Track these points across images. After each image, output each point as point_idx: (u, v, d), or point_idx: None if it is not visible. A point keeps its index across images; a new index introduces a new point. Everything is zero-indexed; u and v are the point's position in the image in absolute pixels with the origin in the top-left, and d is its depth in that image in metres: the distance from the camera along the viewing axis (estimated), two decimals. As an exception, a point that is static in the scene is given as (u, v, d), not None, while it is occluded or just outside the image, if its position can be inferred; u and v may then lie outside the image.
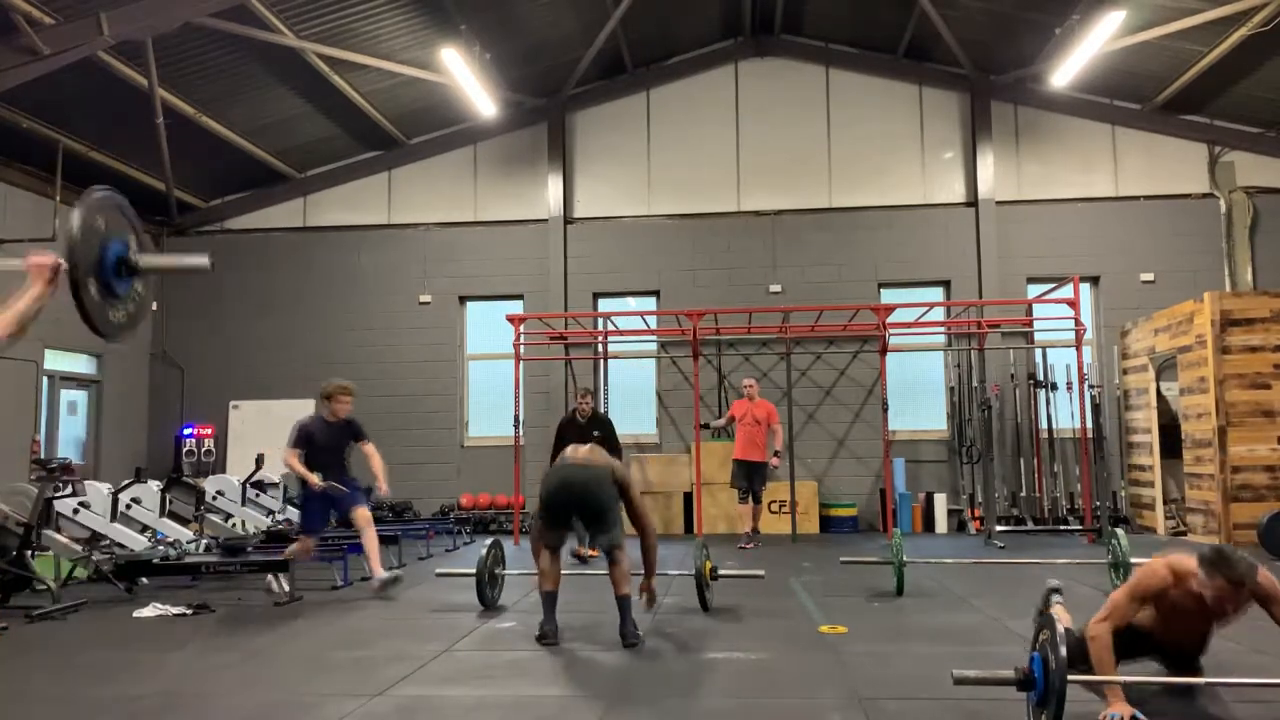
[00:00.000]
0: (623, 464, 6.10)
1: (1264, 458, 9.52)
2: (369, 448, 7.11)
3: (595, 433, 9.35)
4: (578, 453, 5.64)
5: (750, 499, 10.04)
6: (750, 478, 9.99)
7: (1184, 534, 10.51)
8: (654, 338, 12.53)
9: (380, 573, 6.85)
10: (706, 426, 11.86)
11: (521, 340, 11.53)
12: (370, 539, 6.93)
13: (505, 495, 12.21)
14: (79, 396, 12.22)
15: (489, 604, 6.25)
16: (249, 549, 7.87)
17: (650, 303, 12.82)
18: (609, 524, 5.37)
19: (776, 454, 10.13)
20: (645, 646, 5.14)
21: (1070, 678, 3.20)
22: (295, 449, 6.88)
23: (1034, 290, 12.08)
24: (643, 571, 5.56)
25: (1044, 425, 11.79)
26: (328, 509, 7.16)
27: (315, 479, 6.81)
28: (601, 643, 5.31)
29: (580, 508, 5.44)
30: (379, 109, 12.12)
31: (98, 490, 7.52)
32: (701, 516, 11.10)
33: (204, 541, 8.27)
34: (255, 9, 9.33)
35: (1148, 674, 3.96)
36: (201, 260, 2.90)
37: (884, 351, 10.89)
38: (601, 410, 12.42)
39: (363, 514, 6.92)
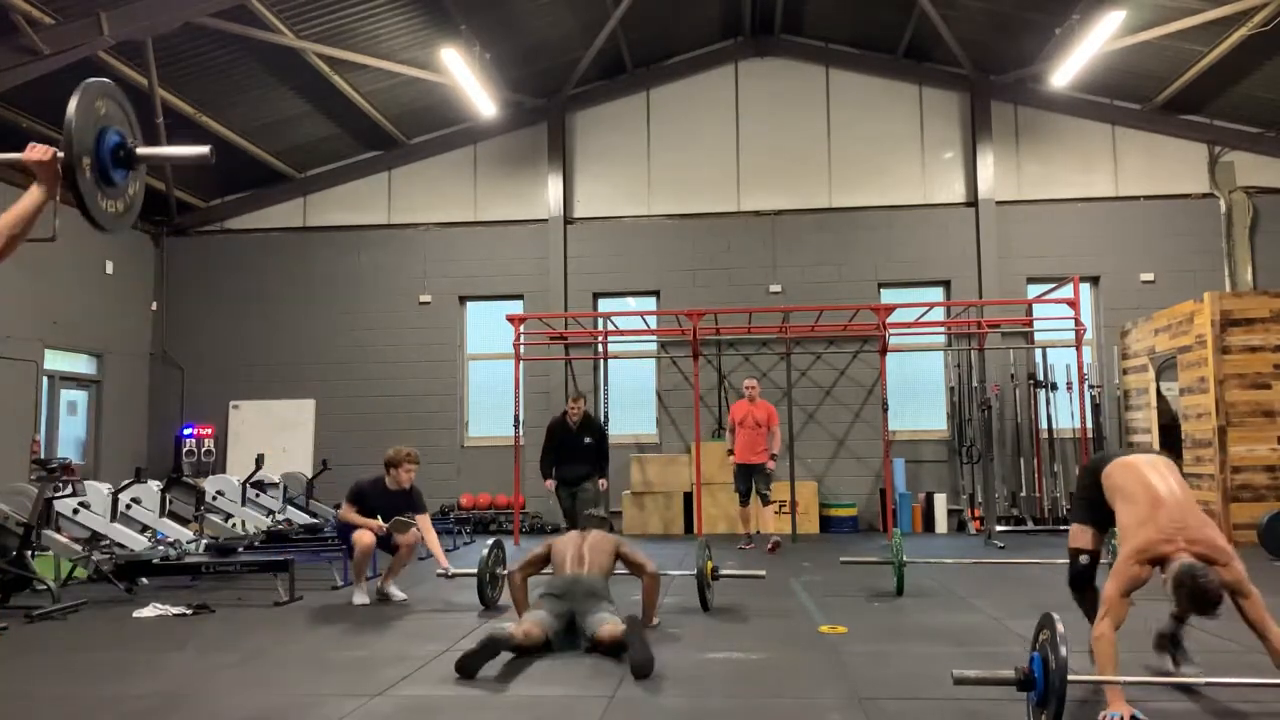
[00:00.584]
0: (623, 542, 5.68)
1: (1264, 458, 9.52)
2: (425, 520, 6.83)
3: (586, 439, 9.36)
4: (578, 564, 5.36)
5: (749, 503, 9.79)
6: (750, 480, 9.77)
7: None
8: (654, 338, 12.53)
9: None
10: (721, 437, 11.95)
11: (521, 340, 11.53)
12: (401, 560, 6.85)
13: (505, 495, 12.21)
14: (79, 396, 12.22)
15: (489, 604, 6.25)
16: (239, 549, 7.83)
17: (650, 303, 12.82)
18: (601, 610, 5.12)
19: (773, 456, 9.87)
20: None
21: (1070, 678, 3.19)
22: (350, 505, 6.75)
23: (1034, 290, 12.09)
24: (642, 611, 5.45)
25: (1044, 425, 11.79)
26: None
27: (375, 523, 6.64)
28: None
29: (578, 614, 5.13)
30: (379, 109, 12.12)
31: (98, 490, 7.51)
32: (701, 516, 11.10)
33: (204, 541, 8.26)
34: (255, 9, 9.33)
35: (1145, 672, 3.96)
36: (201, 150, 2.87)
37: (884, 351, 10.89)
38: (593, 413, 12.44)
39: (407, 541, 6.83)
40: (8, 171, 10.83)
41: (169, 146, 2.89)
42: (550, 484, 9.47)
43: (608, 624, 4.90)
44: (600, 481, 9.51)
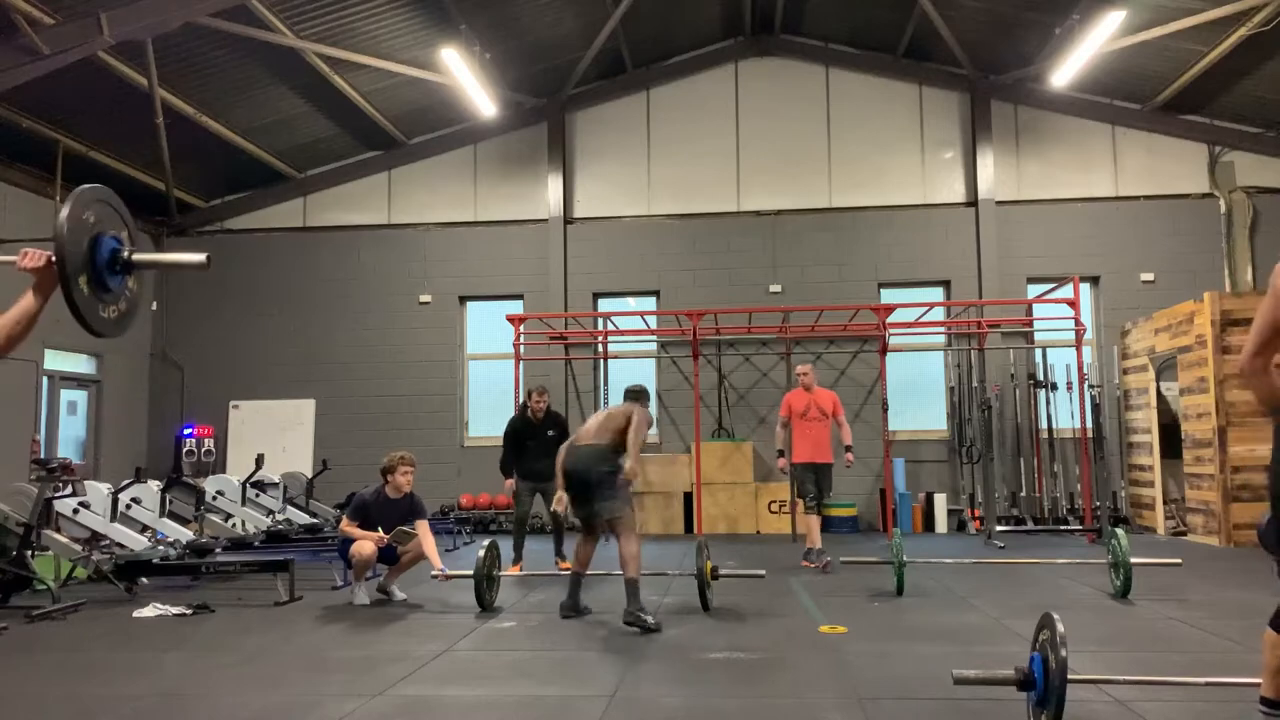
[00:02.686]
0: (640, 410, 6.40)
1: (1264, 458, 9.36)
2: (424, 527, 6.78)
3: (550, 432, 8.65)
4: (584, 432, 6.23)
5: (818, 511, 8.48)
6: (819, 483, 8.40)
7: (1184, 534, 10.51)
8: (654, 338, 12.53)
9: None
10: (720, 437, 11.91)
11: (521, 340, 11.53)
12: (405, 564, 6.88)
13: (505, 495, 12.19)
14: (79, 396, 12.21)
15: (487, 606, 6.25)
16: (216, 550, 7.78)
17: (650, 303, 12.82)
18: (603, 496, 5.69)
19: (849, 450, 8.43)
20: (645, 643, 5.14)
21: (1070, 678, 3.19)
22: (352, 520, 6.71)
23: (1034, 290, 12.09)
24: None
25: (1044, 425, 11.79)
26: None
27: (376, 535, 6.62)
28: (601, 643, 5.31)
29: (578, 489, 5.91)
30: (379, 109, 12.12)
31: (98, 490, 7.51)
32: (701, 516, 11.11)
33: (203, 541, 8.25)
34: (255, 9, 9.33)
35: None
36: (198, 257, 2.87)
37: (884, 351, 10.90)
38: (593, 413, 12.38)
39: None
40: (7, 172, 10.85)
41: (166, 253, 2.96)
42: (511, 483, 8.60)
43: (624, 543, 5.78)
44: None
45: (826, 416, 8.40)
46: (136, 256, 2.79)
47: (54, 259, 2.54)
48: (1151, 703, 3.89)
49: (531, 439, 8.74)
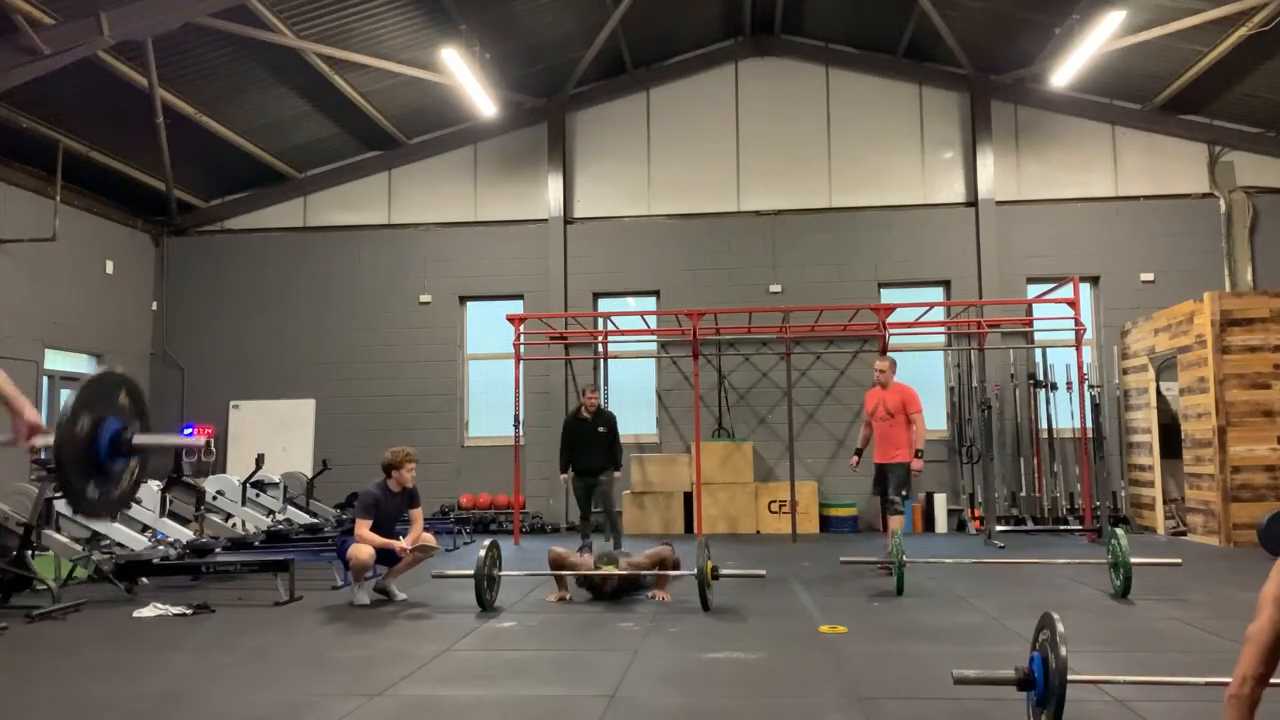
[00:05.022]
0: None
1: (1264, 458, 9.52)
2: (417, 514, 6.96)
3: (600, 428, 9.38)
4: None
5: (892, 511, 8.07)
6: (885, 483, 8.10)
7: (1184, 534, 10.51)
8: (654, 338, 12.53)
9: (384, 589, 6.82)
10: (720, 437, 11.91)
11: (521, 340, 11.53)
12: (405, 565, 6.88)
13: (505, 495, 12.22)
14: (79, 396, 12.20)
15: (487, 606, 6.25)
16: (216, 550, 7.79)
17: (650, 303, 12.82)
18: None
19: (919, 453, 8.01)
20: (645, 643, 5.14)
21: (1070, 677, 3.19)
22: (366, 520, 6.68)
23: (1034, 290, 12.09)
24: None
25: (1044, 425, 11.79)
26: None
27: (399, 544, 6.63)
28: (601, 643, 5.31)
29: None
30: (379, 109, 12.12)
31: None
32: (701, 516, 11.10)
33: (203, 541, 8.25)
34: (255, 9, 9.33)
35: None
36: (198, 443, 2.95)
37: (884, 351, 10.87)
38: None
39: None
40: (7, 172, 10.85)
41: (166, 436, 2.98)
42: (565, 477, 9.50)
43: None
44: (614, 474, 9.50)
45: (894, 415, 8.07)
46: (137, 440, 2.84)
47: (45, 443, 2.59)
48: (1151, 703, 3.89)
49: (584, 436, 9.30)
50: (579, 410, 9.62)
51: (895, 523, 7.95)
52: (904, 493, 8.06)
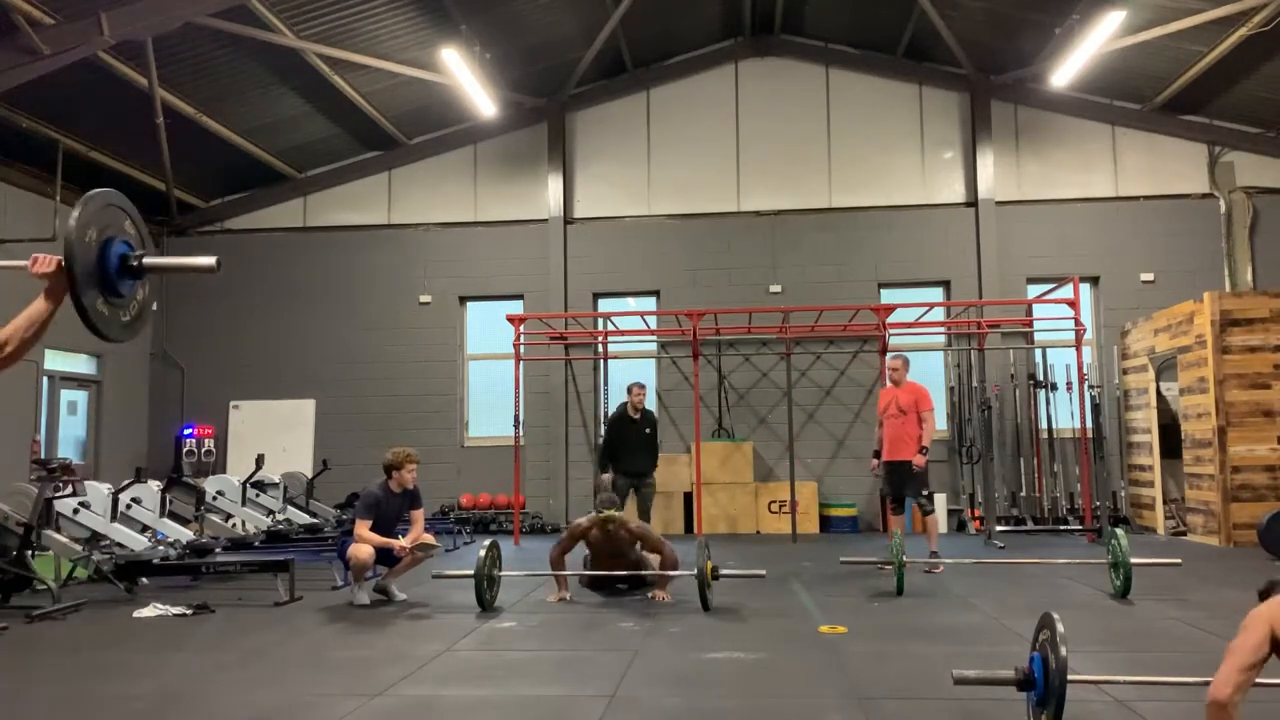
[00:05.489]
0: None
1: (1264, 458, 9.52)
2: (418, 514, 6.95)
3: (646, 429, 9.19)
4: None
5: (900, 510, 8.25)
6: (896, 482, 8.18)
7: (1184, 534, 10.52)
8: (654, 338, 12.53)
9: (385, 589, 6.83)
10: (720, 437, 11.90)
11: (521, 340, 11.53)
12: (405, 565, 6.89)
13: (505, 495, 12.21)
14: (79, 396, 12.22)
15: (487, 606, 6.25)
16: (216, 550, 7.79)
17: (650, 303, 12.82)
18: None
19: (923, 450, 8.00)
20: (645, 643, 5.14)
21: (1070, 678, 3.19)
22: (366, 520, 6.67)
23: (1034, 290, 12.09)
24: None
25: (1044, 425, 11.79)
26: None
27: (399, 544, 6.64)
28: (601, 643, 5.31)
29: None
30: (379, 109, 12.12)
31: (98, 490, 7.50)
32: (701, 516, 11.10)
33: (203, 541, 8.25)
34: (255, 9, 9.33)
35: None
36: (208, 261, 2.86)
37: (884, 351, 10.88)
38: (593, 412, 12.51)
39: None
40: (7, 172, 10.85)
41: (175, 257, 2.91)
42: (607, 478, 9.13)
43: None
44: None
45: (906, 413, 8.09)
46: (147, 261, 2.78)
47: (63, 265, 2.53)
48: (1151, 703, 3.89)
49: (631, 436, 9.02)
50: (626, 409, 9.20)
51: (930, 523, 8.11)
52: (926, 491, 8.11)
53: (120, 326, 2.75)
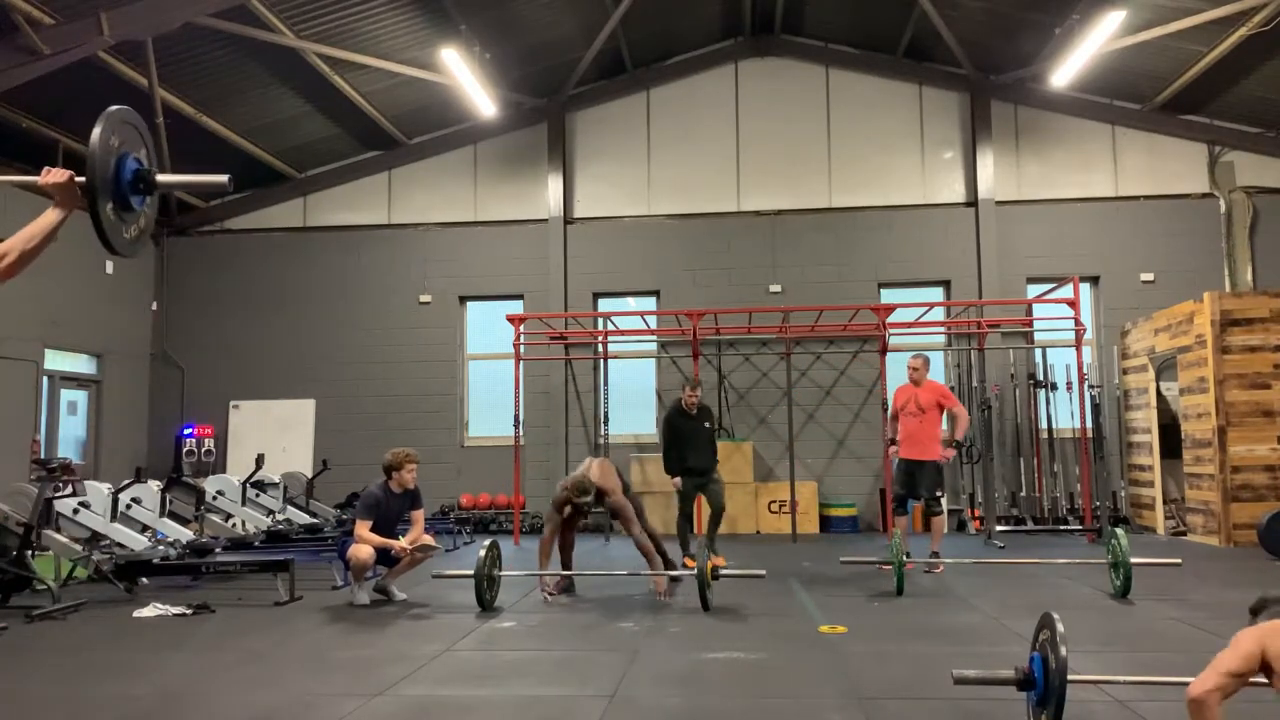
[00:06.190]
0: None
1: (1264, 458, 9.52)
2: (418, 515, 6.97)
3: (706, 424, 8.72)
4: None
5: (909, 510, 8.10)
6: (912, 481, 8.12)
7: (1184, 534, 10.51)
8: (654, 338, 12.53)
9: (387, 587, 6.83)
10: (721, 437, 11.84)
11: (521, 340, 11.53)
12: (405, 565, 6.89)
13: (505, 495, 12.21)
14: (79, 396, 12.21)
15: (487, 606, 6.25)
16: (216, 550, 7.79)
17: (650, 303, 12.82)
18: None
19: (956, 444, 8.14)
20: (645, 643, 5.14)
21: (1070, 678, 3.19)
22: (366, 520, 6.68)
23: (1034, 290, 12.08)
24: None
25: (1044, 425, 11.79)
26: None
27: (399, 544, 6.66)
28: (601, 643, 5.31)
29: None
30: (379, 109, 12.12)
31: (98, 490, 7.51)
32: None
33: (203, 541, 8.26)
34: (255, 9, 9.33)
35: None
36: (220, 179, 2.86)
37: (884, 351, 10.89)
38: (593, 412, 12.47)
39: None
40: (7, 172, 10.85)
41: (188, 175, 2.90)
42: (678, 482, 8.71)
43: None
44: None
45: (925, 411, 8.03)
46: (160, 177, 2.80)
47: (75, 176, 2.56)
48: (1151, 703, 3.89)
49: (692, 433, 8.61)
50: (680, 405, 8.74)
51: (936, 524, 8.05)
52: (939, 493, 8.09)
53: (126, 241, 2.76)
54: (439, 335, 13.00)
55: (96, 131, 2.58)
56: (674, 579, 6.75)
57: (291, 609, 6.52)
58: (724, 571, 6.56)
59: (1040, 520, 11.57)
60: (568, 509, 6.87)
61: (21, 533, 6.76)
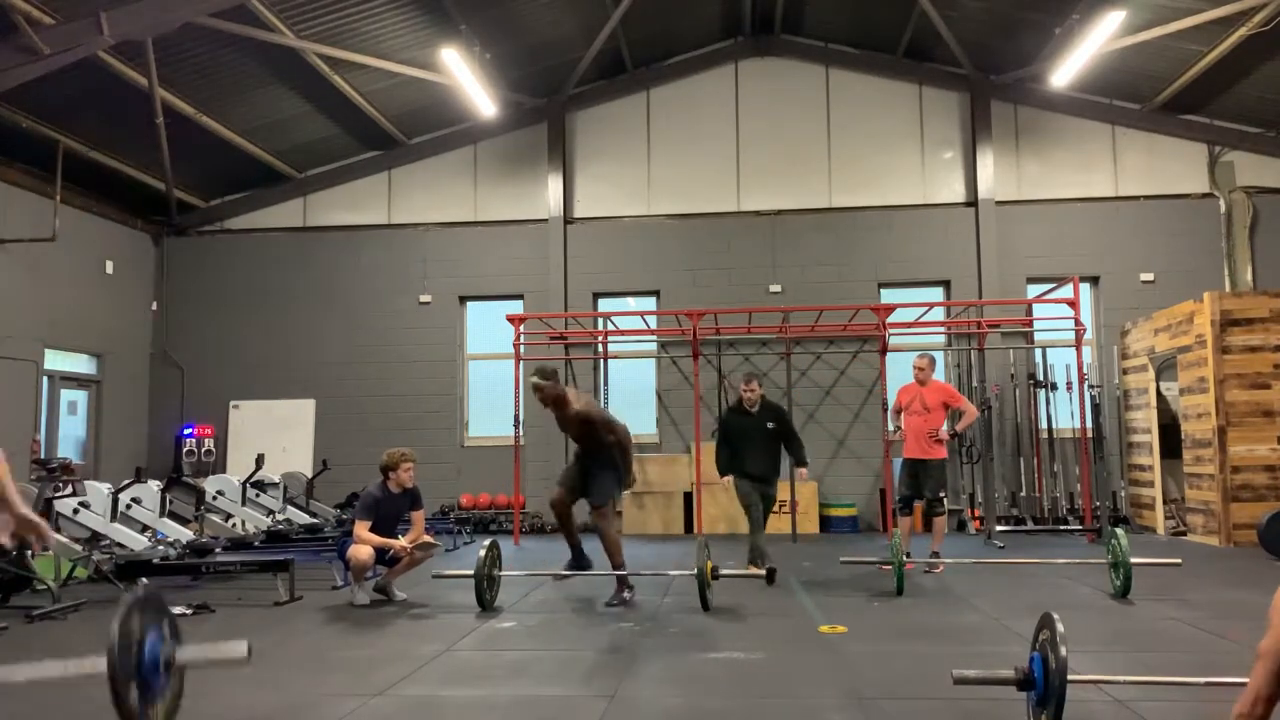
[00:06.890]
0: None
1: (1264, 458, 9.52)
2: (419, 515, 6.98)
3: (769, 424, 7.82)
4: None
5: (913, 510, 8.13)
6: (916, 481, 8.03)
7: (1184, 534, 10.51)
8: (654, 338, 12.53)
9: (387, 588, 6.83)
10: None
11: (521, 340, 11.53)
12: (405, 565, 6.90)
13: (505, 495, 12.22)
14: (79, 396, 12.21)
15: (487, 606, 6.25)
16: (216, 550, 7.80)
17: (650, 303, 12.82)
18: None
19: (955, 434, 8.19)
20: (645, 643, 5.14)
21: (1070, 678, 3.19)
22: (365, 520, 6.68)
23: (1034, 290, 12.09)
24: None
25: (1044, 425, 11.79)
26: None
27: (399, 544, 6.67)
28: (601, 643, 5.31)
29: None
30: (379, 109, 12.12)
31: (98, 490, 7.51)
32: (701, 516, 11.10)
33: (203, 541, 8.26)
34: (255, 9, 9.33)
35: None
36: (239, 650, 3.10)
37: (884, 351, 10.89)
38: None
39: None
40: (7, 172, 10.84)
41: (206, 646, 3.10)
42: (727, 481, 7.80)
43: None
44: (801, 471, 7.96)
45: (930, 410, 7.94)
46: (181, 657, 3.06)
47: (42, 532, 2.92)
48: (1151, 703, 3.89)
49: (747, 433, 7.78)
50: (739, 404, 7.93)
51: (938, 524, 8.00)
52: (942, 493, 8.10)
53: None
54: (439, 335, 13.01)
55: (114, 624, 2.89)
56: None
57: (291, 609, 6.52)
58: (724, 571, 6.56)
59: (1040, 520, 11.57)
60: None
61: (21, 533, 6.75)
